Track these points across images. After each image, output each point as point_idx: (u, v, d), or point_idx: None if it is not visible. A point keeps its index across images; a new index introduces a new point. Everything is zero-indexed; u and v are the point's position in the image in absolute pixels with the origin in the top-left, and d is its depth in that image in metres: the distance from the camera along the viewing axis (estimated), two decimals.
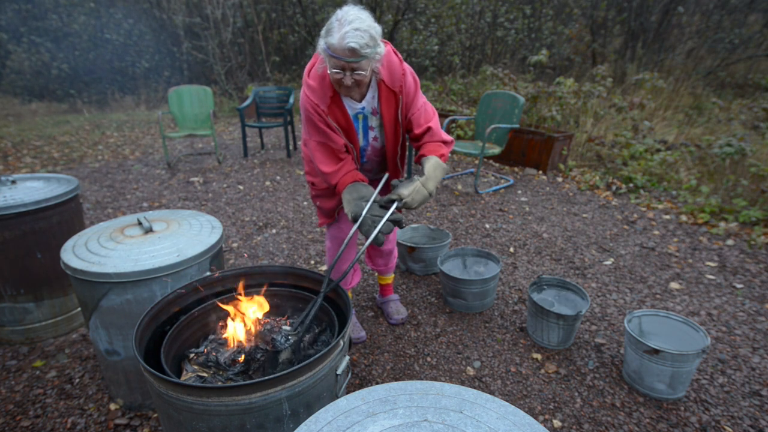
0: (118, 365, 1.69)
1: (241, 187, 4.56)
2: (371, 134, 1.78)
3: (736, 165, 4.20)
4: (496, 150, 4.31)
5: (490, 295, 2.46)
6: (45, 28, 9.64)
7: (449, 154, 2.29)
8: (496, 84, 6.54)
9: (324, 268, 2.91)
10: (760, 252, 3.13)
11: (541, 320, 2.14)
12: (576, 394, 1.90)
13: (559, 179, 4.74)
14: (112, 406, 1.82)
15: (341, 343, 1.17)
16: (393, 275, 2.44)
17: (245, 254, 3.11)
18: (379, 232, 1.44)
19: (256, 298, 1.39)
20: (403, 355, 2.15)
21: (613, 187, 4.40)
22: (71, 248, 1.63)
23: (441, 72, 9.84)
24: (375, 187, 1.66)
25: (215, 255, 1.69)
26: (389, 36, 9.25)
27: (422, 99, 1.76)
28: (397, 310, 2.39)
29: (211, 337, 1.40)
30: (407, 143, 1.88)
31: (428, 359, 2.12)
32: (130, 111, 9.24)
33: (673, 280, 2.79)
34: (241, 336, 1.31)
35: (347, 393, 0.95)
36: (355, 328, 2.25)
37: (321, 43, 1.46)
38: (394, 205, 1.52)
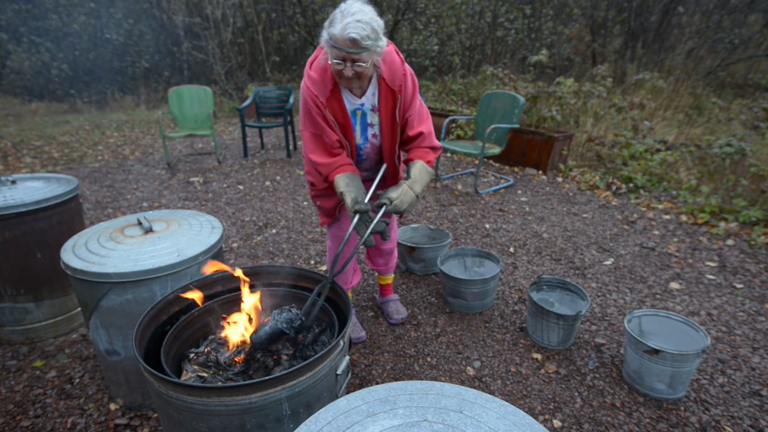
0: (118, 365, 1.69)
1: (241, 187, 4.56)
2: (370, 131, 1.78)
3: (736, 165, 4.20)
4: (496, 150, 4.31)
5: (490, 295, 2.46)
6: (45, 28, 9.65)
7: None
8: (496, 84, 6.54)
9: (324, 268, 2.91)
10: (760, 252, 3.13)
11: (541, 320, 2.14)
12: (576, 394, 1.90)
13: (559, 179, 4.74)
14: (112, 406, 1.82)
15: (341, 343, 1.17)
16: (393, 275, 2.44)
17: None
18: (372, 231, 1.48)
19: (252, 297, 1.39)
20: (403, 355, 2.15)
21: (613, 187, 4.40)
22: (71, 248, 1.64)
23: (441, 72, 9.84)
24: (368, 188, 1.69)
25: (215, 255, 1.69)
26: (389, 36, 9.24)
27: (419, 101, 1.77)
28: (397, 310, 2.39)
29: (211, 337, 1.40)
30: None
31: (428, 359, 2.12)
32: (130, 111, 9.25)
33: (673, 280, 2.79)
34: (241, 333, 1.32)
35: (347, 393, 0.95)
36: (355, 328, 2.25)
37: (324, 34, 1.48)
38: (383, 210, 1.55)
